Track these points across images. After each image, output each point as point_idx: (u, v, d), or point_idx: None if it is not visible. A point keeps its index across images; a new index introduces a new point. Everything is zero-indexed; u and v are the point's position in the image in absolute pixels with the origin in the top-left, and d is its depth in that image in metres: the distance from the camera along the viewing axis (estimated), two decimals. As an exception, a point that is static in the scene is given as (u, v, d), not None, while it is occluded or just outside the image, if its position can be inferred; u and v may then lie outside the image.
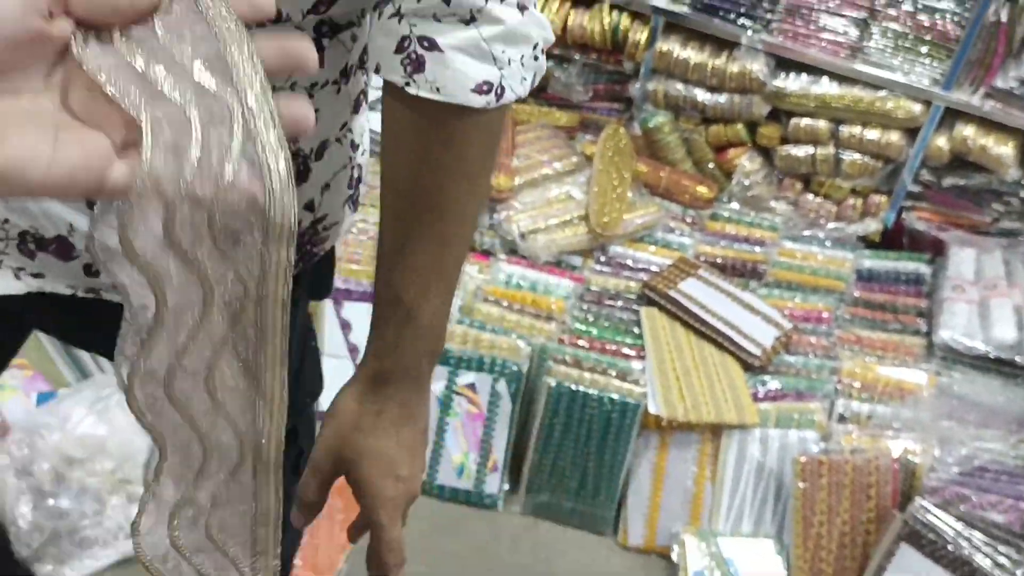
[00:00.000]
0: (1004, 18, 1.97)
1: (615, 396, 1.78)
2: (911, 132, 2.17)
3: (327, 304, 1.93)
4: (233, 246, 0.34)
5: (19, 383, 1.79)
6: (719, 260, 2.16)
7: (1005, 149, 2.09)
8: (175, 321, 0.36)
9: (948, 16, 2.02)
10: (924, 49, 2.07)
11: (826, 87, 2.18)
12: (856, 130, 2.19)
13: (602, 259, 2.13)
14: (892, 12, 2.07)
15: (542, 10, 2.32)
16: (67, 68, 0.33)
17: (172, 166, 0.32)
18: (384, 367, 0.72)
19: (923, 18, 2.03)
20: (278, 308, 0.37)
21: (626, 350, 1.89)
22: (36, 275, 0.70)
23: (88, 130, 0.33)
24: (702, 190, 2.29)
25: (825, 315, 2.09)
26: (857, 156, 2.22)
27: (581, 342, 1.90)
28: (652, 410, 1.76)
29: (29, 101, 0.32)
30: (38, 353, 1.83)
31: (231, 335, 0.37)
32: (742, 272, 2.16)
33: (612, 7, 2.28)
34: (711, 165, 2.36)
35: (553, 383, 1.79)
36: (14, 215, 0.67)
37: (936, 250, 2.25)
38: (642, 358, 1.88)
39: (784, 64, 2.21)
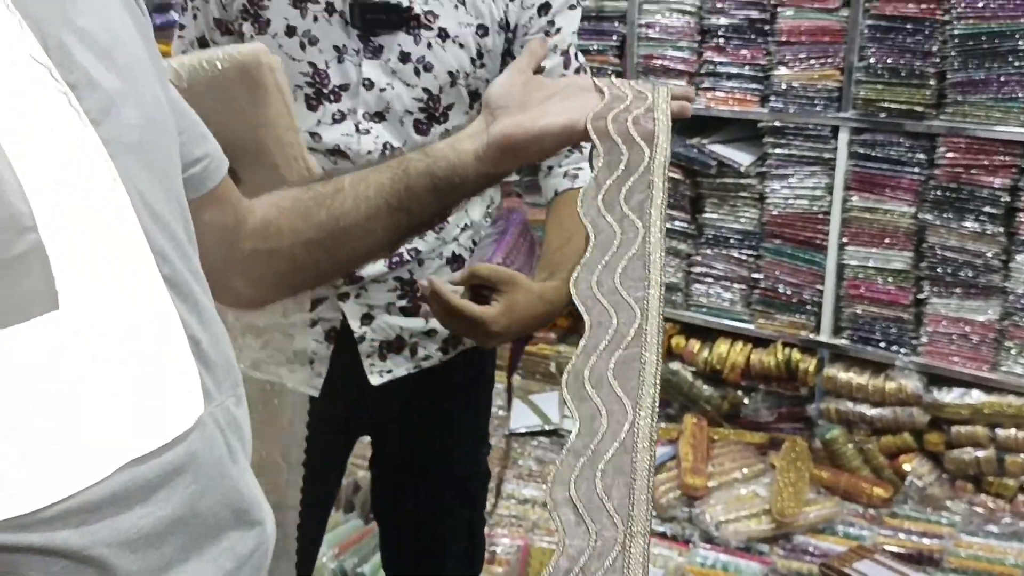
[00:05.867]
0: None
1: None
2: (1064, 431, 2.45)
3: None
4: None
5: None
6: (897, 549, 2.43)
7: None
8: None
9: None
10: (1055, 357, 2.43)
11: (977, 397, 2.53)
12: (1012, 432, 2.49)
13: (787, 546, 2.46)
14: (1019, 327, 2.46)
15: (727, 353, 2.89)
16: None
17: None
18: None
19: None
20: None
21: (806, 616, 2.18)
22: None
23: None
24: (879, 491, 2.61)
25: (1003, 596, 2.27)
26: (1018, 456, 2.50)
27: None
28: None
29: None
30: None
31: None
32: (919, 560, 2.40)
33: (784, 344, 2.81)
34: (887, 471, 2.69)
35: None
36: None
37: (1118, 543, 2.39)
38: (821, 623, 2.16)
39: (937, 379, 2.60)
